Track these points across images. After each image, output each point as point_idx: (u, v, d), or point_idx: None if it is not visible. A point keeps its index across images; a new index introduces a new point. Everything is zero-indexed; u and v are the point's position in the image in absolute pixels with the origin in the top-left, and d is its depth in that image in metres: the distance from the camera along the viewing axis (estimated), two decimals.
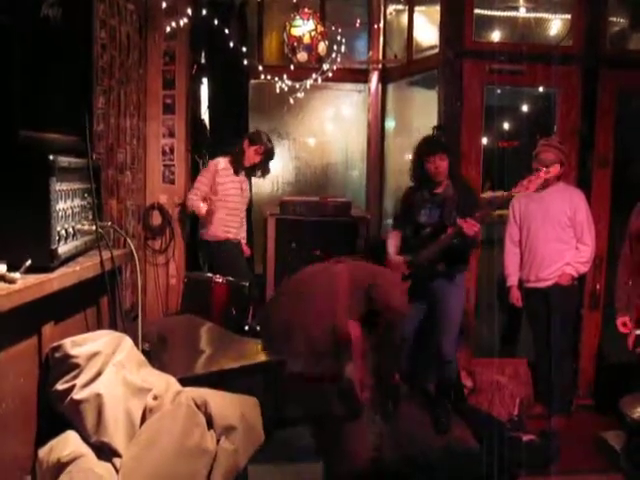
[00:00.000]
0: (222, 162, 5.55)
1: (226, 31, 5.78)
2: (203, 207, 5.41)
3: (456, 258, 4.49)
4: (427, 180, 4.55)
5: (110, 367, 2.18)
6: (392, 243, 4.72)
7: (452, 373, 4.74)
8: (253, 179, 6.12)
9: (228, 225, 5.54)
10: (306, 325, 3.59)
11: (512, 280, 5.00)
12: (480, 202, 4.62)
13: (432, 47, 5.88)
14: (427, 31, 6.14)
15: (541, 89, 5.53)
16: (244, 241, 5.83)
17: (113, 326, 2.71)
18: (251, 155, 5.58)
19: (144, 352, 2.61)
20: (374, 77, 6.80)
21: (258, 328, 4.85)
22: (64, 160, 2.20)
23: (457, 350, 4.79)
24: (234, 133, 5.77)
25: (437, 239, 4.43)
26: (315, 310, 3.70)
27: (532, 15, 5.93)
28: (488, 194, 4.93)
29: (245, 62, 6.15)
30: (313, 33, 6.36)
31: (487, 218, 4.47)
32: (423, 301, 4.61)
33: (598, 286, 5.44)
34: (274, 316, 3.96)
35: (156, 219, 5.70)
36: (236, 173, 5.56)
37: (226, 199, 5.50)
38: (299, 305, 3.77)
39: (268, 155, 5.68)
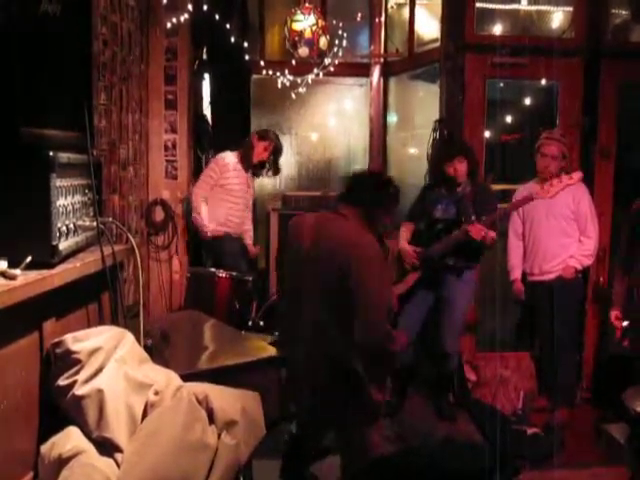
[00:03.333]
0: (231, 156, 5.56)
1: (227, 26, 5.78)
2: (206, 227, 5.43)
3: (466, 255, 4.51)
4: (448, 181, 4.58)
5: (112, 363, 2.18)
6: (403, 234, 4.75)
7: (452, 366, 4.77)
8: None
9: (228, 219, 5.54)
10: None
11: (515, 274, 5.00)
12: (495, 202, 4.63)
13: (434, 40, 5.88)
14: (429, 24, 6.14)
15: (543, 82, 5.51)
16: (250, 241, 5.83)
17: (115, 322, 2.71)
18: (260, 151, 5.58)
19: (146, 348, 2.61)
20: (376, 71, 6.80)
21: (261, 323, 4.87)
22: (64, 156, 2.20)
23: (460, 345, 4.82)
24: (236, 128, 5.78)
25: (448, 235, 4.47)
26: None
27: (534, 8, 5.92)
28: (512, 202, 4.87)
29: (247, 57, 6.16)
30: (314, 28, 6.35)
31: (499, 223, 4.49)
32: (430, 293, 4.63)
33: (601, 279, 5.43)
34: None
35: (159, 215, 5.71)
36: (245, 169, 5.56)
37: (229, 194, 5.51)
38: None
39: (276, 152, 5.67)
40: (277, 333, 4.18)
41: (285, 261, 3.62)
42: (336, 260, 3.10)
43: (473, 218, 4.37)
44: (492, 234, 4.34)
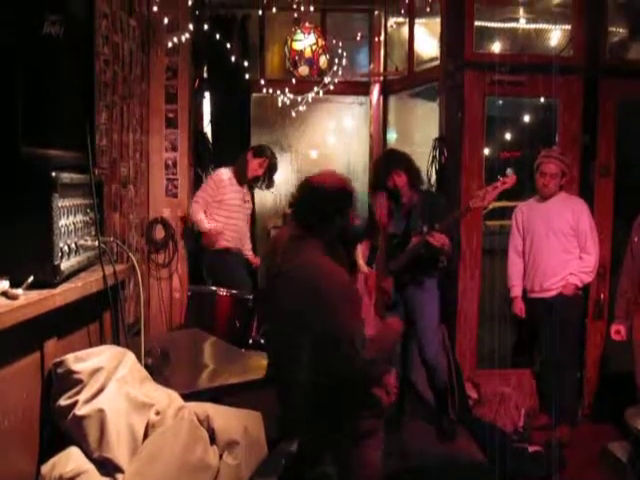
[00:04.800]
0: (225, 173, 5.59)
1: (228, 45, 5.83)
2: (206, 222, 5.44)
3: (424, 266, 4.58)
4: (393, 194, 4.63)
5: (113, 382, 2.18)
6: (362, 253, 4.73)
7: (442, 378, 4.77)
8: (256, 193, 6.16)
9: (228, 235, 5.55)
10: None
11: (516, 291, 5.00)
12: (445, 208, 4.63)
13: (433, 59, 5.91)
14: (428, 43, 6.17)
15: (542, 99, 5.54)
16: (250, 253, 5.84)
17: (116, 341, 2.71)
18: (254, 167, 5.60)
19: (147, 367, 2.61)
20: (375, 89, 6.84)
21: (262, 341, 4.86)
22: (66, 176, 2.21)
23: (440, 354, 4.83)
24: (236, 146, 5.81)
25: (404, 249, 4.52)
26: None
27: (532, 26, 5.95)
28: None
29: (247, 76, 6.20)
30: (314, 47, 6.40)
31: (450, 229, 4.49)
32: (398, 311, 4.64)
33: (602, 295, 5.42)
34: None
35: (159, 233, 5.73)
36: (239, 184, 5.59)
37: (227, 209, 5.54)
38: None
39: (271, 168, 5.70)
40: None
41: (260, 275, 3.54)
42: (299, 288, 2.83)
43: (425, 229, 4.40)
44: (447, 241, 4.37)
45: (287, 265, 2.90)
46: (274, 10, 5.93)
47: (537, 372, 5.21)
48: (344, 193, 2.99)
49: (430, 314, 4.67)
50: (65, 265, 2.20)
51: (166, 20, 5.40)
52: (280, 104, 6.41)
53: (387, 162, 4.71)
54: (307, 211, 2.94)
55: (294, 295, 2.84)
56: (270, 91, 6.35)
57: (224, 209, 5.53)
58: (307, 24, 6.41)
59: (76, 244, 2.31)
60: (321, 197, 2.93)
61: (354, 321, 2.79)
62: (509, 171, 4.60)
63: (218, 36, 5.80)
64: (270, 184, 5.84)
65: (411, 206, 4.59)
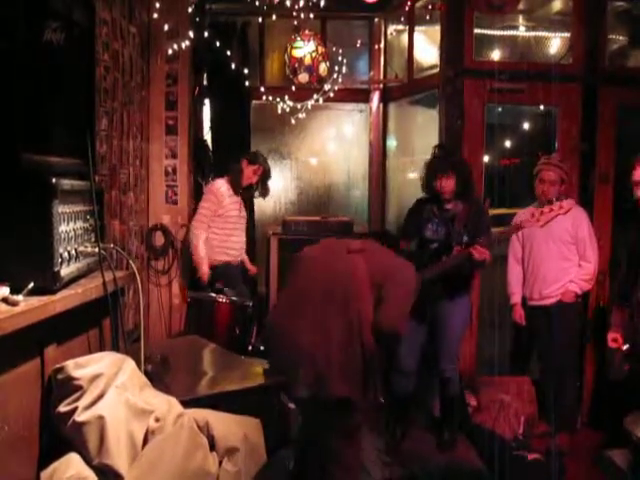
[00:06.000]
0: (222, 184, 5.55)
1: (228, 53, 5.85)
2: (201, 251, 5.41)
3: (460, 280, 4.44)
4: (436, 195, 4.53)
5: (112, 389, 2.18)
6: None
7: (454, 391, 4.71)
8: (255, 200, 6.16)
9: (228, 247, 5.54)
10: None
11: (515, 298, 5.00)
12: (489, 225, 4.56)
13: (433, 66, 5.92)
14: (427, 51, 6.18)
15: (542, 107, 5.55)
16: (247, 262, 5.83)
17: (115, 347, 2.71)
18: (249, 175, 5.59)
19: (146, 374, 2.61)
20: (375, 97, 6.85)
21: (262, 348, 4.85)
22: (66, 183, 2.22)
23: (458, 366, 4.78)
24: (236, 154, 5.80)
25: (440, 257, 4.38)
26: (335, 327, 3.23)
27: (532, 34, 5.96)
28: (499, 229, 4.84)
29: (247, 83, 6.22)
30: (314, 54, 6.41)
31: (495, 244, 4.43)
32: (423, 323, 4.55)
33: (601, 302, 5.42)
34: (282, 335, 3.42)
35: (159, 239, 5.73)
36: (236, 193, 5.57)
37: (228, 222, 5.51)
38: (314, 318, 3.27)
39: (265, 175, 5.70)
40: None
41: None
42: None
43: (465, 239, 4.30)
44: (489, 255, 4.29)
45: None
46: (274, 17, 5.95)
47: (536, 379, 5.20)
48: None
49: (457, 329, 4.55)
50: (65, 271, 2.20)
51: (166, 27, 5.41)
52: (280, 111, 6.42)
53: (439, 164, 4.54)
54: None
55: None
56: (270, 98, 6.36)
57: (224, 222, 5.49)
58: (307, 31, 6.42)
59: (76, 250, 2.32)
60: None
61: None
62: (563, 197, 4.52)
63: (218, 43, 5.82)
64: (265, 191, 5.82)
65: (455, 213, 4.46)
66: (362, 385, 3.26)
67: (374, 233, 3.75)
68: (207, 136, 6.35)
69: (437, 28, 5.63)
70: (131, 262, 2.83)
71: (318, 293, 3.32)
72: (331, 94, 6.42)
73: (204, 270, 5.38)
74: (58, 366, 2.16)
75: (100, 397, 2.13)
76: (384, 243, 3.71)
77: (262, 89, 6.39)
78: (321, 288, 3.32)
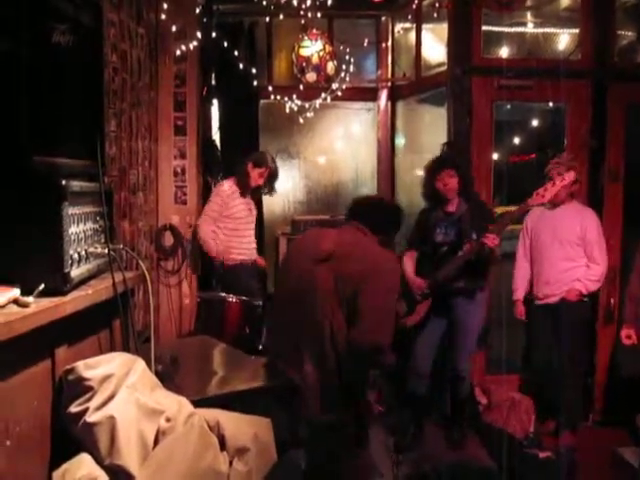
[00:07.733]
0: (229, 185, 5.57)
1: (235, 53, 5.86)
2: (213, 245, 5.45)
3: (475, 274, 4.46)
4: (438, 198, 4.54)
5: (123, 389, 2.18)
6: (408, 264, 4.67)
7: (466, 389, 4.72)
8: (264, 199, 6.16)
9: (241, 248, 5.55)
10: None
11: (518, 294, 5.01)
12: (494, 216, 4.60)
13: (440, 64, 5.91)
14: (435, 48, 6.17)
15: (550, 104, 5.53)
16: (256, 258, 5.83)
17: (126, 348, 2.72)
18: (255, 177, 5.59)
19: (157, 374, 2.61)
20: (383, 95, 6.84)
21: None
22: (76, 184, 2.23)
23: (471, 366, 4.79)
24: (245, 153, 5.79)
25: (454, 257, 4.41)
26: None
27: (540, 30, 5.94)
28: (504, 210, 4.88)
29: (255, 83, 6.22)
30: (322, 53, 6.41)
31: (503, 232, 4.43)
32: (443, 319, 4.60)
33: (612, 300, 5.40)
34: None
35: (168, 240, 5.74)
36: (243, 196, 5.58)
37: (237, 222, 5.52)
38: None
39: (272, 176, 5.70)
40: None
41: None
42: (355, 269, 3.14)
43: (474, 236, 4.31)
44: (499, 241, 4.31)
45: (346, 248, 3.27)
46: (281, 17, 5.94)
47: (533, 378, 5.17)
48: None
49: (474, 326, 4.58)
50: (75, 273, 2.21)
51: (174, 28, 5.42)
52: (288, 110, 6.42)
53: (440, 161, 4.59)
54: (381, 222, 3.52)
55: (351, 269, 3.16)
56: (278, 98, 6.36)
57: (233, 222, 5.51)
58: (314, 30, 6.41)
59: (86, 252, 2.33)
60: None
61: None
62: (565, 169, 4.51)
63: (226, 43, 5.82)
64: (272, 190, 5.83)
65: (460, 215, 4.49)
66: (342, 404, 3.18)
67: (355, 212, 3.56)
68: (216, 136, 6.36)
69: (444, 26, 5.62)
70: (141, 263, 2.84)
71: (289, 296, 3.36)
72: (339, 93, 6.42)
73: (219, 250, 5.46)
74: (69, 367, 2.17)
75: (111, 398, 2.14)
76: (367, 227, 3.44)
77: (270, 88, 6.40)
78: (292, 291, 3.34)
